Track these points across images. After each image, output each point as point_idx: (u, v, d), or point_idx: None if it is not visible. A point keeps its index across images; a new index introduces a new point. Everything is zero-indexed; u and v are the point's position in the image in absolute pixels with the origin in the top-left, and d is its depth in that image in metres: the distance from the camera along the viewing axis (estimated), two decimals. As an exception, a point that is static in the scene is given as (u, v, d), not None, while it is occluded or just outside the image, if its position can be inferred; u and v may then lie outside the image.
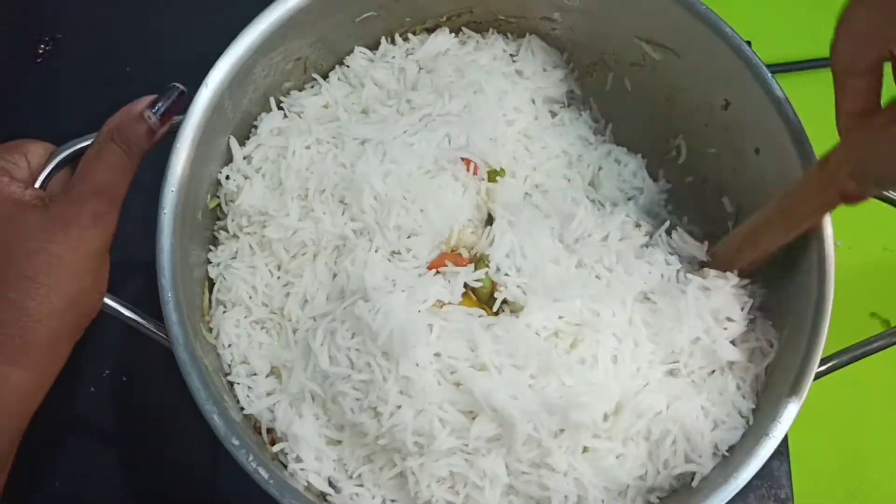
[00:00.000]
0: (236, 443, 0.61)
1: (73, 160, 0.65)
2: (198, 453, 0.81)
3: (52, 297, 0.59)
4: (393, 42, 0.82)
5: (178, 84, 0.67)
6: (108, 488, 0.83)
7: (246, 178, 0.75)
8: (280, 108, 0.79)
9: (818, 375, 0.65)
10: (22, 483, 0.82)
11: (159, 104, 0.65)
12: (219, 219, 0.77)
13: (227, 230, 0.75)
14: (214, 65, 0.69)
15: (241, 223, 0.74)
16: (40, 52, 0.98)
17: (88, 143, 0.65)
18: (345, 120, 0.77)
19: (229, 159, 0.76)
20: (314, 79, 0.81)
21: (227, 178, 0.74)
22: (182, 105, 0.67)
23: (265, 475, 0.61)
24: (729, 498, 0.61)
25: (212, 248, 0.75)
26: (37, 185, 0.64)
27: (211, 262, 0.74)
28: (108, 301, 0.64)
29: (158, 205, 0.65)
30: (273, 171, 0.75)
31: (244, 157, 0.76)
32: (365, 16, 0.79)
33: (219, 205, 0.76)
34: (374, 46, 0.82)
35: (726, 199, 0.79)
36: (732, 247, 0.72)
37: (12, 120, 0.95)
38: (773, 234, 0.69)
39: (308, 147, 0.76)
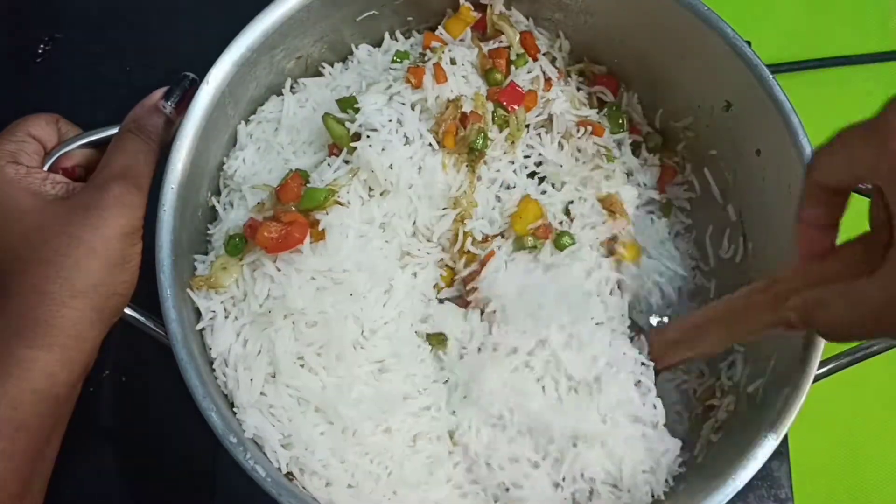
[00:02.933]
0: (234, 440, 0.61)
1: (98, 146, 0.68)
2: (197, 453, 0.81)
3: (74, 279, 0.59)
4: (396, 40, 0.82)
5: (189, 73, 0.68)
6: (108, 488, 0.83)
7: (242, 149, 0.75)
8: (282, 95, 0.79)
9: (817, 378, 0.65)
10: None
11: (173, 94, 0.67)
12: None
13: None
14: (216, 62, 0.69)
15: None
16: (40, 52, 0.98)
17: (112, 132, 0.67)
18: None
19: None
20: (318, 74, 0.81)
21: (231, 159, 0.75)
22: (194, 94, 0.68)
23: (262, 473, 0.61)
24: (728, 498, 0.61)
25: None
26: (50, 161, 0.66)
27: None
28: None
29: (158, 202, 0.65)
30: (268, 136, 0.76)
31: (248, 135, 0.76)
32: (366, 14, 0.79)
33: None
34: (376, 45, 0.83)
35: (731, 207, 0.79)
36: (669, 339, 0.71)
37: (12, 120, 0.95)
38: (711, 341, 0.68)
39: (302, 106, 0.77)
